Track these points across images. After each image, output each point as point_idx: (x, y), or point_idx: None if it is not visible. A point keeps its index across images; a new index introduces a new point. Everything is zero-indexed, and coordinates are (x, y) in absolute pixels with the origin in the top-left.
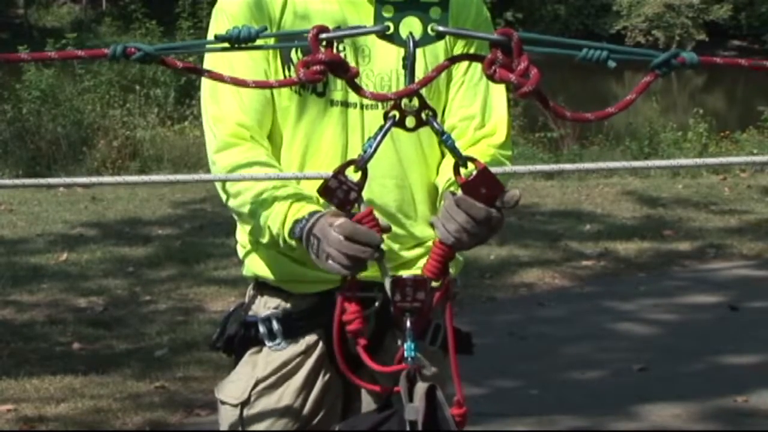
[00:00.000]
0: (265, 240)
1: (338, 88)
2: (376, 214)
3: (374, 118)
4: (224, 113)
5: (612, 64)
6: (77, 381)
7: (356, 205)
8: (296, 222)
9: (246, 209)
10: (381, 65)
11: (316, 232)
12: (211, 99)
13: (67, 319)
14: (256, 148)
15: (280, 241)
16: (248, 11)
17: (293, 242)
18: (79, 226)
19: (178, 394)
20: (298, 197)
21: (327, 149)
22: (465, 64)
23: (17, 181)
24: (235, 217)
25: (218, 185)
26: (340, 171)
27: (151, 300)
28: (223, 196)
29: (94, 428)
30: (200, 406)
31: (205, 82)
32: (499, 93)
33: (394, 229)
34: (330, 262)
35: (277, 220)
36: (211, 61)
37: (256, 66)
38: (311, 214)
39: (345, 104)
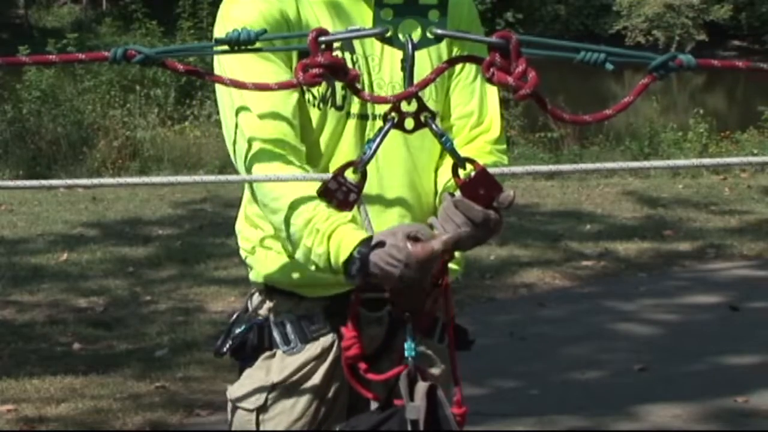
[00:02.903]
0: (313, 268)
1: (355, 101)
2: (391, 223)
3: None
4: (259, 120)
5: (610, 66)
6: (77, 381)
7: (356, 207)
8: (348, 263)
9: (284, 233)
10: (391, 74)
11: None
12: (240, 104)
13: (67, 319)
14: (296, 168)
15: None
16: (258, 14)
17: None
18: (80, 226)
19: (179, 395)
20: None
21: (344, 161)
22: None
23: (18, 183)
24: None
25: (259, 197)
26: (339, 172)
27: (151, 300)
28: (263, 208)
29: (95, 428)
30: (200, 407)
31: (232, 95)
32: (491, 88)
33: None
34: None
35: (322, 260)
36: (229, 66)
37: (276, 75)
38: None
39: (362, 117)
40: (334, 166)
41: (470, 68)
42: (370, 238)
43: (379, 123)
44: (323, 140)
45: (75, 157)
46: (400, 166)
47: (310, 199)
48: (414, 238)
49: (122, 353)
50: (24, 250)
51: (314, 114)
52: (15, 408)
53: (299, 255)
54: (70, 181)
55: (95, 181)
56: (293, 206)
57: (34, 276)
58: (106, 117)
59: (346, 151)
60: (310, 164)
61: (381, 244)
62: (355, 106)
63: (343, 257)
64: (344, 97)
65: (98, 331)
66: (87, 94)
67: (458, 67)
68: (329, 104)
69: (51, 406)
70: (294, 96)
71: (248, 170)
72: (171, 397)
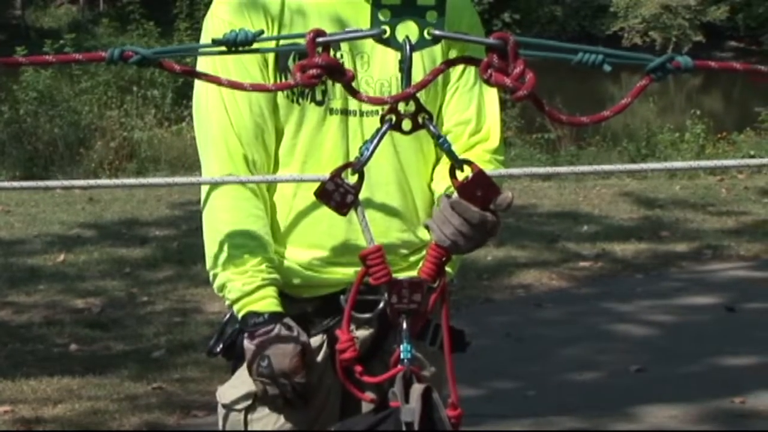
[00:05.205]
0: (216, 286)
1: (337, 96)
2: (380, 222)
3: (374, 124)
4: (217, 139)
5: (607, 68)
6: (74, 382)
7: (353, 207)
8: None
9: (214, 248)
10: (381, 71)
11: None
12: (207, 119)
13: (64, 320)
14: (251, 199)
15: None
16: (245, 15)
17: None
18: (77, 227)
19: (176, 396)
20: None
21: (327, 158)
22: (460, 68)
23: (15, 184)
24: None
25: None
26: (337, 174)
27: (148, 301)
28: (203, 216)
29: (92, 429)
30: (197, 407)
31: (199, 101)
32: (491, 97)
33: (398, 234)
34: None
35: (233, 293)
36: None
37: (249, 76)
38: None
39: (344, 112)
40: (316, 162)
41: (468, 75)
42: (281, 315)
43: (364, 119)
44: (304, 136)
45: (72, 157)
46: (387, 164)
47: (237, 235)
48: (299, 356)
49: (119, 354)
50: (21, 251)
51: (293, 110)
52: (12, 409)
53: (215, 269)
54: (66, 183)
55: (92, 182)
56: (222, 231)
57: (30, 277)
58: (103, 118)
59: (329, 148)
60: (288, 160)
61: (278, 336)
62: (336, 101)
63: (255, 308)
64: (324, 92)
65: (95, 332)
66: (84, 95)
67: (456, 73)
68: (308, 99)
69: (48, 407)
70: (260, 103)
71: (206, 174)
72: (168, 398)
